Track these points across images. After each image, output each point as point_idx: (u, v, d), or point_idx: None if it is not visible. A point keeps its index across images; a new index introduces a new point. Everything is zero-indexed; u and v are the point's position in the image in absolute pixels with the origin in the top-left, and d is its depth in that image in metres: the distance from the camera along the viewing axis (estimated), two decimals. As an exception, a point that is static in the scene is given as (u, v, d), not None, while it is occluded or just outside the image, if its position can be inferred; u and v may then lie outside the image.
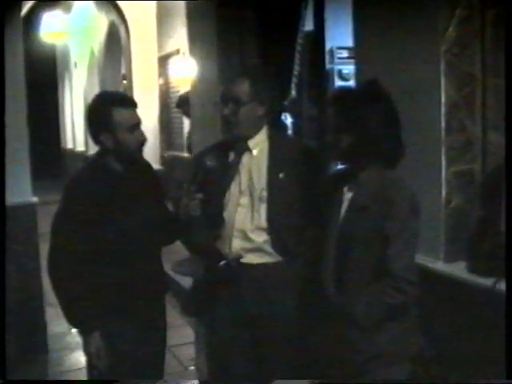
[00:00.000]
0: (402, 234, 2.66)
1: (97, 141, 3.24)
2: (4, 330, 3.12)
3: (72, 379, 5.32)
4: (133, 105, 3.28)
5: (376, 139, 2.72)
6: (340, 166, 3.07)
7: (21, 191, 5.68)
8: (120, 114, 3.17)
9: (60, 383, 5.06)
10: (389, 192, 2.70)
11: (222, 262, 3.26)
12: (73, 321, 3.28)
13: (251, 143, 3.30)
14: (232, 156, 3.33)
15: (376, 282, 2.70)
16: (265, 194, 3.23)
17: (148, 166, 3.53)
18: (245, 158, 3.31)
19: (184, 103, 8.29)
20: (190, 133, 8.21)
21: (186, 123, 9.74)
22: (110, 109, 3.17)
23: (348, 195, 2.85)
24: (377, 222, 2.69)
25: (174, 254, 6.82)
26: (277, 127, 3.82)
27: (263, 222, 3.25)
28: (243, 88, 3.23)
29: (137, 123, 3.24)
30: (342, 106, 2.79)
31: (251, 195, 3.26)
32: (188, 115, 8.07)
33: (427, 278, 2.90)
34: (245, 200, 3.27)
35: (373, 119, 2.71)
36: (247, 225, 3.26)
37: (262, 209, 3.24)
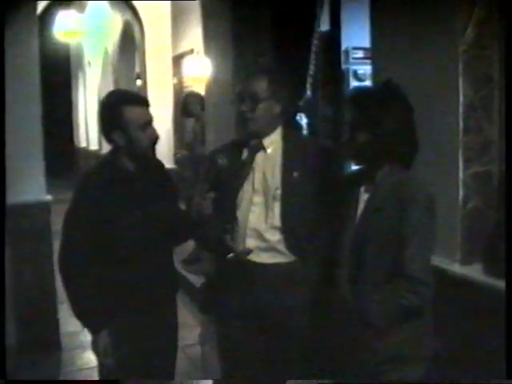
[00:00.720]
0: (417, 235, 2.64)
1: (109, 139, 3.24)
2: (4, 329, 3.12)
3: (80, 379, 5.32)
4: (145, 103, 3.28)
5: (391, 139, 2.71)
6: (355, 167, 3.05)
7: (35, 189, 5.70)
8: (132, 112, 3.16)
9: (61, 383, 5.05)
10: (404, 192, 2.69)
11: (231, 255, 3.25)
12: (82, 318, 3.28)
13: (266, 142, 3.29)
14: (246, 154, 3.32)
15: (391, 283, 2.69)
16: (279, 192, 3.22)
17: (160, 164, 3.52)
18: (259, 157, 3.30)
19: (185, 109, 8.30)
20: (194, 131, 8.22)
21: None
22: (122, 107, 3.16)
23: (364, 196, 2.83)
24: (392, 223, 2.68)
25: (186, 252, 6.84)
26: (292, 127, 3.80)
27: (277, 221, 3.23)
28: (261, 85, 3.21)
29: (149, 121, 3.23)
30: (358, 105, 2.78)
31: (265, 194, 3.25)
32: (192, 116, 8.09)
33: (443, 280, 2.89)
34: (258, 199, 3.26)
35: (388, 119, 2.70)
36: (261, 224, 3.25)
37: (276, 208, 3.23)
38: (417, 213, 2.65)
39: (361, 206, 2.83)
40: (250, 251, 3.24)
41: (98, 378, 3.52)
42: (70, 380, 5.32)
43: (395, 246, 2.66)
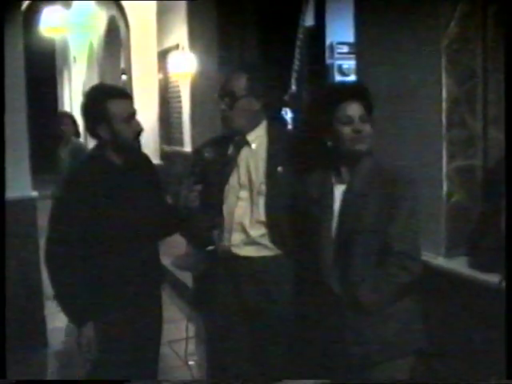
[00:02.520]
0: (402, 212, 2.69)
1: (94, 134, 3.24)
2: (4, 330, 3.12)
3: (70, 379, 5.31)
4: (127, 95, 3.30)
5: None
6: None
7: (20, 186, 5.67)
8: (115, 105, 3.17)
9: (63, 383, 5.05)
10: (386, 175, 2.75)
11: (210, 247, 3.28)
12: (67, 311, 3.29)
13: (250, 137, 3.31)
14: (231, 150, 3.34)
15: (380, 264, 2.72)
16: (263, 187, 3.24)
17: (146, 158, 3.53)
18: (243, 152, 3.31)
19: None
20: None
21: (185, 118, 9.72)
22: (105, 101, 3.17)
23: (341, 187, 2.86)
24: (376, 207, 2.72)
25: (174, 248, 6.84)
26: (276, 121, 3.81)
27: (262, 216, 3.25)
28: (239, 82, 3.24)
29: (133, 113, 3.24)
30: (361, 99, 2.81)
31: (251, 189, 3.27)
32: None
33: (428, 274, 2.90)
34: (244, 194, 3.28)
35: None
36: (246, 219, 3.27)
37: (261, 202, 3.25)
38: (401, 192, 2.70)
39: (339, 193, 2.86)
40: (228, 248, 3.27)
41: (83, 375, 3.52)
42: (73, 380, 5.31)
43: (381, 228, 2.70)
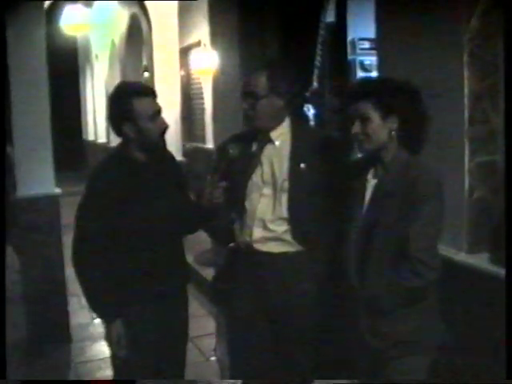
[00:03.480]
0: (422, 217, 2.66)
1: (119, 132, 3.25)
2: (4, 330, 3.14)
3: (91, 373, 5.35)
4: (152, 93, 3.30)
5: (403, 127, 2.73)
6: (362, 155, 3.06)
7: (44, 183, 5.72)
8: (140, 103, 3.18)
9: (63, 383, 5.09)
10: (413, 175, 2.71)
11: (232, 244, 3.29)
12: (96, 309, 3.33)
13: (273, 134, 3.31)
14: (255, 147, 3.34)
15: (394, 266, 2.71)
16: (286, 184, 3.24)
17: (170, 156, 3.54)
18: (267, 149, 3.32)
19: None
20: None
21: (208, 115, 9.73)
22: (130, 99, 3.18)
23: (372, 182, 2.85)
24: (402, 207, 2.70)
25: (197, 244, 6.86)
26: (299, 118, 3.80)
27: (284, 212, 3.26)
28: (260, 82, 3.23)
29: (157, 111, 3.25)
30: (368, 96, 2.78)
31: (274, 186, 3.27)
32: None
33: (450, 269, 2.89)
34: (268, 190, 3.28)
35: (400, 107, 2.72)
36: (268, 215, 3.28)
37: (284, 199, 3.26)
38: (424, 196, 2.66)
39: (369, 191, 2.85)
40: (250, 243, 3.28)
41: (108, 369, 3.55)
42: (84, 380, 5.35)
43: (402, 229, 2.68)
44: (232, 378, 3.69)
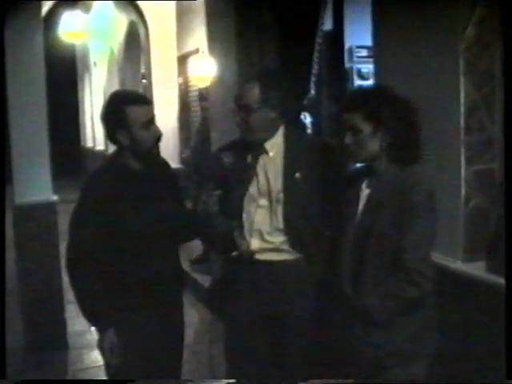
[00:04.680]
0: (416, 228, 2.66)
1: (113, 139, 3.25)
2: (4, 330, 3.14)
3: (88, 379, 5.34)
4: (146, 101, 3.30)
5: (394, 138, 2.73)
6: (358, 165, 3.06)
7: (41, 190, 5.72)
8: (134, 111, 3.18)
9: (63, 383, 5.09)
10: (405, 186, 2.72)
11: (234, 253, 3.28)
12: (89, 316, 3.30)
13: (268, 145, 3.30)
14: (249, 158, 3.33)
15: (390, 276, 2.71)
16: (281, 196, 3.24)
17: (165, 163, 3.54)
18: (262, 160, 3.31)
19: (202, 98, 8.36)
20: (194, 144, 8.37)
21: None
22: (124, 107, 3.18)
23: (366, 192, 2.86)
24: (394, 218, 2.70)
25: (192, 251, 6.86)
26: (294, 127, 3.80)
27: (280, 224, 3.26)
28: (253, 95, 3.20)
29: (151, 119, 3.24)
30: (358, 107, 2.79)
31: (269, 197, 3.27)
32: (205, 110, 8.09)
33: (445, 278, 2.90)
34: (264, 202, 3.28)
35: (390, 117, 2.72)
36: (265, 226, 3.27)
37: (279, 210, 3.25)
38: (416, 205, 2.67)
39: (363, 201, 2.86)
40: (253, 253, 3.28)
41: (104, 377, 3.54)
42: (79, 380, 5.34)
43: (396, 241, 2.68)
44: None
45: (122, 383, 3.39)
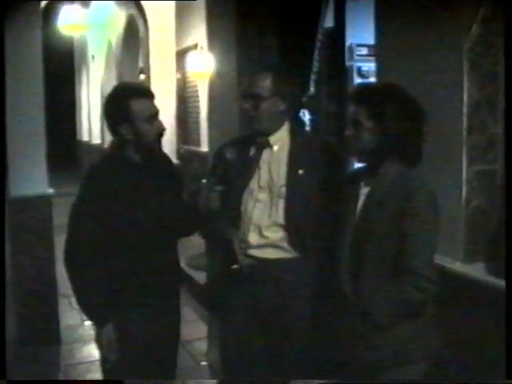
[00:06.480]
0: (421, 231, 2.64)
1: (115, 132, 3.24)
2: (4, 330, 3.12)
3: (80, 374, 5.33)
4: (150, 95, 3.29)
5: (396, 137, 2.71)
6: (358, 164, 3.05)
7: (37, 183, 5.71)
8: (138, 105, 3.16)
9: (61, 383, 5.06)
10: (407, 187, 2.70)
11: (235, 266, 3.26)
12: (87, 311, 3.31)
13: (272, 139, 3.28)
14: (253, 151, 3.32)
15: (393, 279, 2.69)
16: (284, 190, 3.22)
17: (166, 158, 3.53)
18: (265, 154, 3.29)
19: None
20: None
21: (203, 118, 9.71)
22: (129, 100, 3.16)
23: (365, 190, 2.84)
24: (394, 218, 2.68)
25: (189, 248, 6.85)
26: (298, 124, 3.78)
27: (280, 219, 3.23)
28: (265, 83, 3.20)
29: (155, 113, 3.23)
30: (362, 101, 2.78)
31: (270, 191, 3.25)
32: None
33: (445, 279, 2.87)
34: (263, 196, 3.26)
35: (392, 115, 2.70)
36: (264, 221, 3.25)
37: (280, 205, 3.23)
38: (420, 208, 2.65)
39: (362, 199, 2.84)
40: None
41: (98, 372, 3.52)
42: (72, 380, 5.32)
43: (397, 242, 2.66)
44: (223, 382, 3.66)
45: (110, 383, 3.38)
